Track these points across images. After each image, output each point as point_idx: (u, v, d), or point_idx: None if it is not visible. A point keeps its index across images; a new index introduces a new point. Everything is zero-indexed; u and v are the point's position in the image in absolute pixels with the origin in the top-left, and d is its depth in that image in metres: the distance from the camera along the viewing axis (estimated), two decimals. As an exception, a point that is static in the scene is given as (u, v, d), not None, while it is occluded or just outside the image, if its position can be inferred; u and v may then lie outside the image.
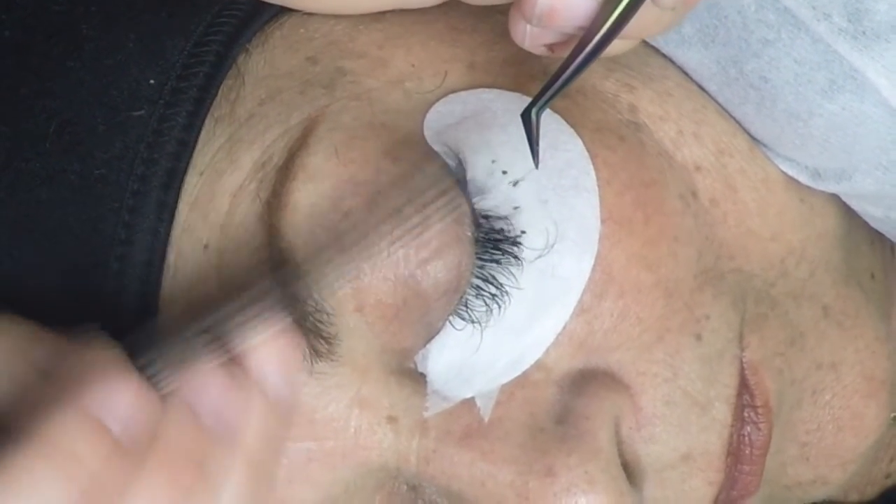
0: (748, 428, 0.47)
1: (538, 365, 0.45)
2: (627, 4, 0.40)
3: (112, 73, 0.46)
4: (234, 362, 0.40)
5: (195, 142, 0.46)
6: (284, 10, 0.49)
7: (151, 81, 0.46)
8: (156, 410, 0.38)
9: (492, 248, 0.45)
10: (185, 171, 0.45)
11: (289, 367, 0.41)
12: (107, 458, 0.37)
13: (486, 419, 0.45)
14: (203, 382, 0.39)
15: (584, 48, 0.41)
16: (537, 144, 0.43)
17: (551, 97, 0.42)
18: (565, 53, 0.42)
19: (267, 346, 0.40)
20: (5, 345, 0.41)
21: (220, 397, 0.39)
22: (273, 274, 0.44)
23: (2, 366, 0.40)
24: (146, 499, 0.37)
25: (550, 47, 0.43)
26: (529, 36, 0.42)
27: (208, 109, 0.46)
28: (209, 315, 0.41)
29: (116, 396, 0.37)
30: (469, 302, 0.45)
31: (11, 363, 0.40)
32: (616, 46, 0.42)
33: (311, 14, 0.49)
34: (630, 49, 0.44)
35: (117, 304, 0.45)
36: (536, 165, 0.43)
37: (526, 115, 0.42)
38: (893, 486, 0.58)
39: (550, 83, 0.42)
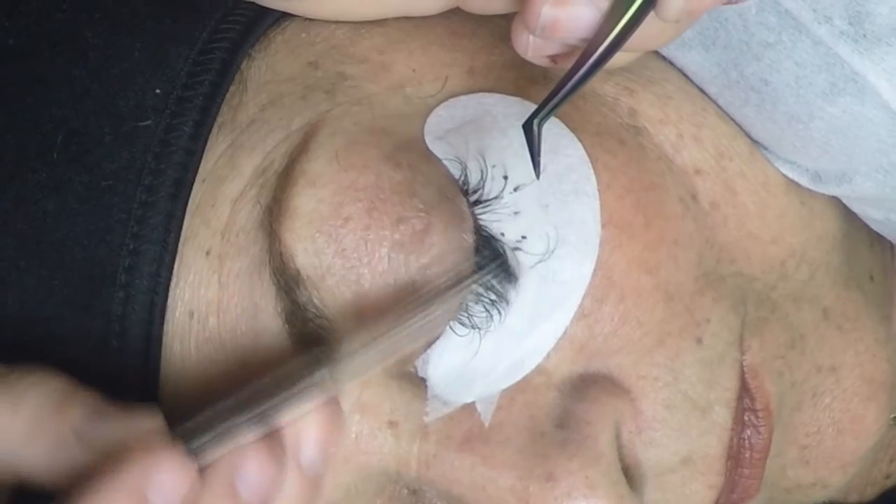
0: (748, 431, 0.47)
1: (539, 369, 0.46)
2: (631, 18, 0.40)
3: (118, 82, 0.46)
4: (272, 435, 0.41)
5: (202, 151, 0.46)
6: (286, 16, 0.49)
7: (157, 91, 0.46)
8: (196, 484, 0.39)
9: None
10: (192, 181, 0.45)
11: (326, 442, 0.41)
12: None
13: (487, 424, 0.45)
14: (243, 457, 0.40)
15: (587, 60, 0.41)
16: (539, 155, 0.43)
17: (554, 108, 0.42)
18: (568, 64, 0.42)
19: (306, 422, 0.41)
20: (40, 400, 0.41)
21: (259, 472, 0.40)
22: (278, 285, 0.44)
23: (36, 424, 0.41)
24: None
25: (553, 58, 0.43)
26: (532, 47, 0.42)
27: (214, 118, 0.46)
28: (248, 388, 0.42)
29: (161, 471, 0.38)
30: (469, 308, 0.45)
31: (46, 422, 0.41)
32: (619, 59, 0.42)
33: (312, 19, 0.49)
34: (632, 60, 0.44)
35: (124, 317, 0.45)
36: (538, 176, 0.43)
37: (528, 126, 0.42)
38: (893, 486, 0.58)
39: (553, 94, 0.42)
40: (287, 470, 0.41)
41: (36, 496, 0.41)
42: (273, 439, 0.40)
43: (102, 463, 0.39)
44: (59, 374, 0.42)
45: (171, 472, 0.38)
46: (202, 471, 0.40)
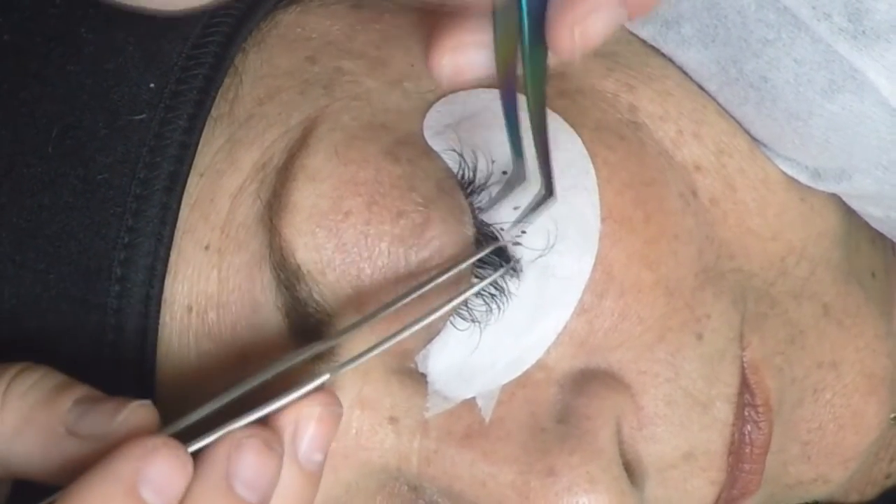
0: (749, 427, 0.47)
1: (539, 365, 0.45)
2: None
3: (112, 76, 0.46)
4: (268, 427, 0.40)
5: (196, 144, 0.46)
6: (278, 9, 0.49)
7: (151, 85, 0.46)
8: (188, 477, 0.39)
9: (491, 252, 0.45)
10: (187, 175, 0.45)
11: (327, 435, 0.41)
12: None
13: (488, 419, 0.45)
14: (237, 448, 0.39)
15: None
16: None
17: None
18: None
19: (307, 414, 0.41)
20: (29, 393, 0.41)
21: (255, 466, 0.39)
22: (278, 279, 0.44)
23: (25, 417, 0.40)
24: None
25: None
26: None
27: (209, 112, 0.46)
28: (244, 379, 0.41)
29: (154, 464, 0.38)
30: (469, 301, 0.45)
31: (36, 415, 0.40)
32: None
33: (307, 13, 0.49)
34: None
35: (120, 310, 0.45)
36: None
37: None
38: (893, 486, 0.58)
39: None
40: (284, 464, 0.40)
41: (35, 490, 0.41)
42: (269, 432, 0.40)
43: (95, 457, 0.38)
44: (48, 368, 0.42)
45: (165, 466, 0.38)
46: (196, 463, 0.39)
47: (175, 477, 0.38)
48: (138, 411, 0.40)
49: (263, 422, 0.40)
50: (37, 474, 0.41)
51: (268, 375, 0.42)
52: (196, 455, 0.39)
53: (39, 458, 0.40)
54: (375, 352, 0.43)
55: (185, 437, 0.40)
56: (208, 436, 0.40)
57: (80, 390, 0.41)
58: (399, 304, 0.43)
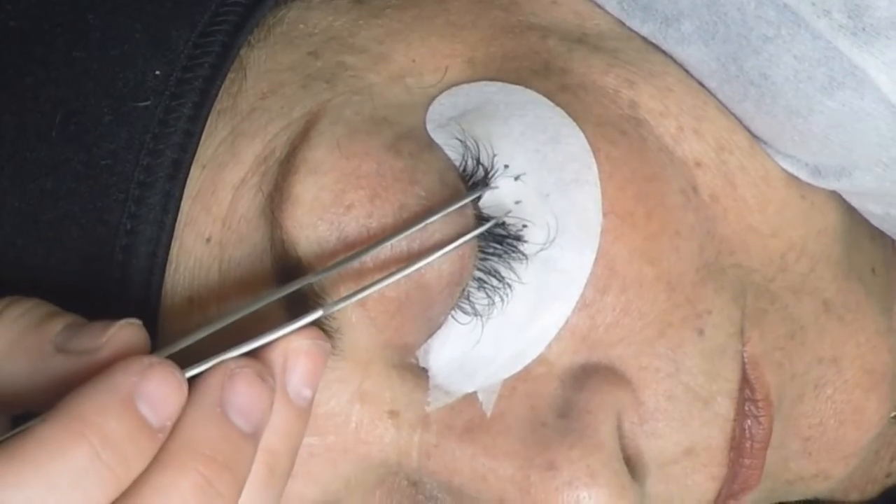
0: (749, 421, 0.47)
1: (540, 359, 0.45)
2: None
3: (118, 63, 0.46)
4: (262, 360, 0.40)
5: (200, 133, 0.46)
6: (285, 2, 0.49)
7: (157, 72, 0.46)
8: (183, 398, 0.38)
9: (494, 241, 0.45)
10: (190, 163, 0.45)
11: (315, 370, 0.41)
12: (135, 438, 0.37)
13: (489, 414, 0.45)
14: (232, 378, 0.39)
15: None
16: None
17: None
18: None
19: (296, 347, 0.41)
20: (20, 319, 0.41)
21: (248, 395, 0.39)
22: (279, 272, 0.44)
23: (15, 340, 0.40)
24: (167, 484, 0.37)
25: None
26: None
27: (213, 101, 0.46)
28: (236, 311, 0.42)
29: (149, 379, 0.38)
30: (471, 294, 0.45)
31: (26, 337, 0.40)
32: None
33: (310, 8, 0.49)
34: None
35: (121, 296, 0.45)
36: None
37: None
38: (894, 485, 0.58)
39: None
40: (277, 397, 0.40)
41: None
42: (261, 364, 0.40)
43: (84, 376, 0.38)
44: (38, 299, 0.42)
45: (162, 383, 0.38)
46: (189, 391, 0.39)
47: (171, 395, 0.38)
48: (128, 328, 0.40)
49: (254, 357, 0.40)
50: (23, 395, 0.40)
51: (257, 306, 0.42)
52: (189, 384, 0.39)
53: (27, 376, 0.40)
54: (369, 290, 0.43)
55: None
56: (200, 365, 0.39)
57: (71, 318, 0.41)
58: (387, 243, 0.43)
